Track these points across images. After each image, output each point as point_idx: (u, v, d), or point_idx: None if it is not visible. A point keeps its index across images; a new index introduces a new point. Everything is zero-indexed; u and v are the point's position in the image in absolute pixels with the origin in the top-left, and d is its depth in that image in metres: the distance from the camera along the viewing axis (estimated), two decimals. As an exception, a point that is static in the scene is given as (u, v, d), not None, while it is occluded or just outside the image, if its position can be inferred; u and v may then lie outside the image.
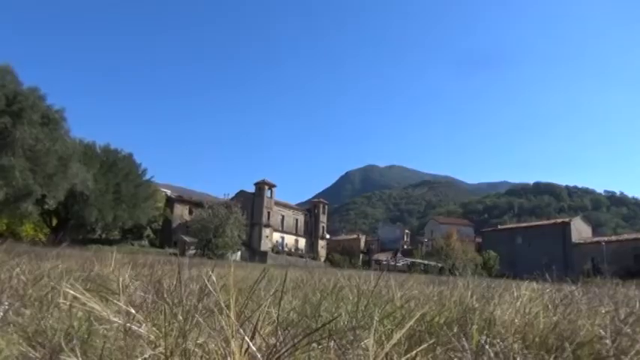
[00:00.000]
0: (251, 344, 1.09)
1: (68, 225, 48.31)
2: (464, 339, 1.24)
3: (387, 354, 1.28)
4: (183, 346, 1.17)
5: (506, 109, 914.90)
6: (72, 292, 1.52)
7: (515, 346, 1.59)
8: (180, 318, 1.31)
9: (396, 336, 1.05)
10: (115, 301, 1.35)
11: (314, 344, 1.35)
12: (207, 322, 1.33)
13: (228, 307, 1.13)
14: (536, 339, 1.91)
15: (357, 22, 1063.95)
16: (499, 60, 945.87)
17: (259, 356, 1.08)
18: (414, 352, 1.11)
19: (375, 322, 1.27)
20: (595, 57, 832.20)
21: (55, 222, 48.87)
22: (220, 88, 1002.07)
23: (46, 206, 39.23)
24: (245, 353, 1.09)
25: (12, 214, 38.11)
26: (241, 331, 1.04)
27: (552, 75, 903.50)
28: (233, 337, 1.01)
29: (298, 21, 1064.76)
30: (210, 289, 1.30)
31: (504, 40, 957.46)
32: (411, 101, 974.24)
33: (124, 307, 1.43)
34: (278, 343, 1.14)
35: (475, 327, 1.72)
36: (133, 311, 1.41)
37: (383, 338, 1.60)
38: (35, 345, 1.33)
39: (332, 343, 1.40)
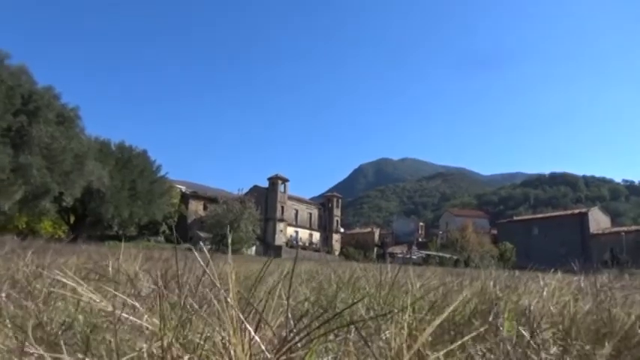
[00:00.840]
0: (254, 333, 0.98)
1: (85, 222, 48.96)
2: (501, 329, 1.12)
3: (409, 347, 1.17)
4: (186, 338, 1.07)
5: (521, 100, 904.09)
6: (73, 283, 1.44)
7: (552, 337, 1.46)
8: (185, 305, 1.21)
9: (428, 330, 0.93)
10: (116, 293, 1.26)
11: (331, 335, 1.24)
12: (213, 314, 1.24)
13: (236, 296, 1.03)
14: (573, 329, 1.78)
15: (369, 16, 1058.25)
16: (513, 54, 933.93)
17: (264, 348, 0.98)
18: (448, 348, 0.99)
19: (407, 311, 1.16)
20: (611, 48, 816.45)
21: (72, 219, 49.55)
22: (233, 85, 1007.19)
23: (64, 203, 39.70)
24: (250, 345, 0.98)
25: (31, 212, 38.71)
26: (241, 318, 0.91)
27: (568, 66, 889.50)
28: (234, 327, 0.88)
29: (310, 19, 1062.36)
30: (211, 277, 1.19)
31: (515, 35, 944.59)
32: (423, 94, 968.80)
33: (129, 300, 1.34)
34: (289, 334, 1.03)
35: (505, 316, 1.60)
36: (136, 303, 1.32)
37: (404, 331, 1.49)
38: (32, 338, 1.25)
39: (351, 334, 1.29)
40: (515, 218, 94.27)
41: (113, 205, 45.75)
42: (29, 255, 3.01)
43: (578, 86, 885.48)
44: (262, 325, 1.05)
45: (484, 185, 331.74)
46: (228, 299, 0.91)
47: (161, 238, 63.95)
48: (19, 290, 1.90)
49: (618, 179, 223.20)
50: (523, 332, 1.28)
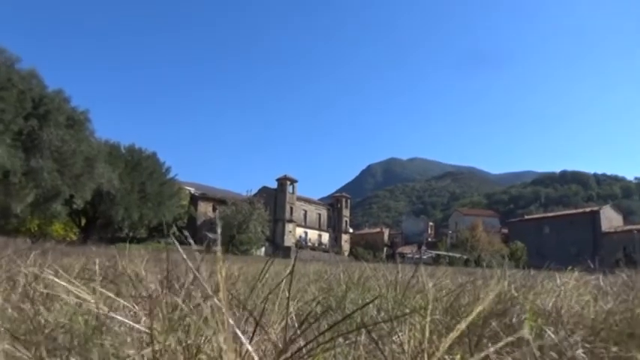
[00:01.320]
0: (245, 341, 0.87)
1: (96, 224, 49.33)
2: (526, 331, 1.03)
3: (424, 351, 1.09)
4: (180, 343, 1.00)
5: (530, 97, 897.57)
6: (69, 286, 1.37)
7: (580, 338, 1.37)
8: (180, 308, 1.14)
9: (452, 335, 0.83)
10: (110, 295, 1.20)
11: (340, 339, 1.16)
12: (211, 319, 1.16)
13: (235, 299, 0.95)
14: (596, 329, 1.69)
15: (374, 15, 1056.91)
16: (521, 51, 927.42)
17: (257, 358, 0.88)
18: (476, 358, 0.90)
19: (427, 312, 1.08)
20: (620, 44, 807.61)
21: (83, 221, 49.95)
22: (240, 86, 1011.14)
23: (75, 206, 39.97)
24: (245, 355, 0.88)
25: (42, 215, 39.06)
26: (232, 323, 0.80)
27: (577, 63, 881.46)
28: (225, 333, 0.77)
29: (316, 19, 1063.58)
30: (199, 276, 1.10)
31: (522, 32, 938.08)
32: (432, 93, 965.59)
33: (125, 302, 1.28)
34: (288, 343, 0.93)
35: (527, 316, 1.51)
36: (135, 306, 1.26)
37: (418, 335, 1.40)
38: (23, 343, 1.19)
39: (361, 337, 1.21)
40: (526, 217, 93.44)
41: (123, 207, 46.02)
42: (32, 256, 2.97)
43: (588, 83, 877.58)
44: (265, 329, 0.96)
45: (494, 184, 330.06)
46: (215, 301, 0.80)
47: (172, 240, 64.06)
48: (19, 292, 1.85)
49: (630, 177, 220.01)
50: (550, 334, 1.19)
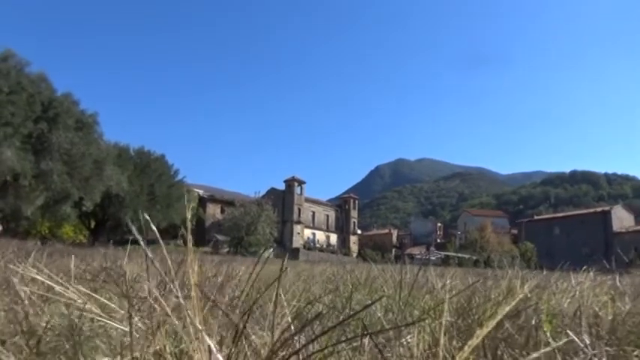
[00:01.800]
0: (215, 349, 0.76)
1: (106, 226, 49.66)
2: (553, 343, 0.95)
3: (437, 356, 1.01)
4: (161, 351, 0.93)
5: (539, 97, 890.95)
6: (60, 288, 1.32)
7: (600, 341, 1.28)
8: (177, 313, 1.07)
9: (473, 342, 0.74)
10: (100, 298, 1.14)
11: (342, 344, 1.08)
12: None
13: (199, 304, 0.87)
14: (617, 331, 1.60)
15: (379, 14, 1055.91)
16: (530, 50, 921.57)
17: None
18: None
19: (443, 315, 1.00)
20: (631, 41, 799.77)
21: (93, 224, 50.29)
22: (246, 85, 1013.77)
23: (84, 208, 40.22)
24: None
25: (52, 217, 39.38)
26: (199, 327, 0.70)
27: (587, 61, 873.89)
28: (197, 342, 0.68)
29: (323, 18, 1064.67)
30: (165, 279, 1.00)
31: (530, 30, 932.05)
32: (440, 93, 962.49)
33: (115, 306, 1.22)
34: (275, 346, 0.83)
35: (544, 318, 1.43)
36: (131, 309, 1.20)
37: (427, 338, 1.32)
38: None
39: (366, 341, 1.13)
40: (535, 218, 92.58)
41: (132, 209, 46.24)
42: (32, 257, 2.93)
43: (597, 82, 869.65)
44: (248, 337, 0.88)
45: (503, 185, 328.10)
46: (182, 303, 0.70)
47: (180, 242, 64.46)
48: (14, 294, 1.81)
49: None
50: (575, 338, 1.11)
